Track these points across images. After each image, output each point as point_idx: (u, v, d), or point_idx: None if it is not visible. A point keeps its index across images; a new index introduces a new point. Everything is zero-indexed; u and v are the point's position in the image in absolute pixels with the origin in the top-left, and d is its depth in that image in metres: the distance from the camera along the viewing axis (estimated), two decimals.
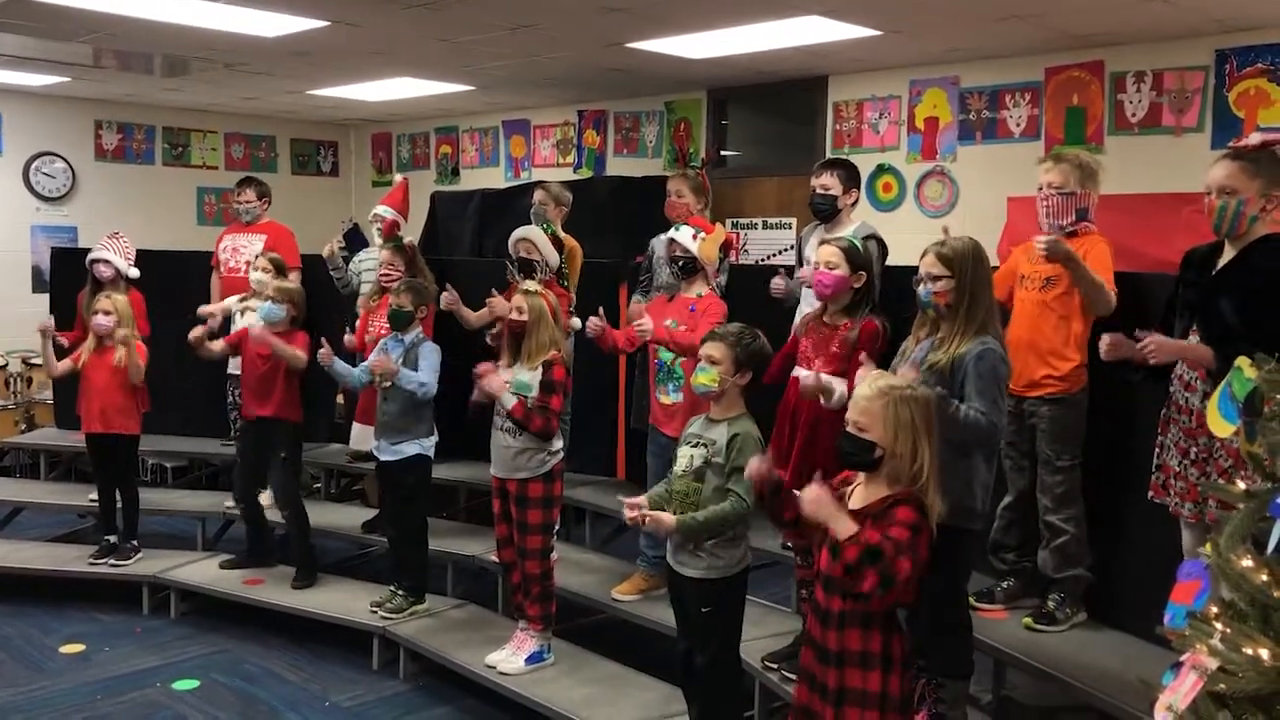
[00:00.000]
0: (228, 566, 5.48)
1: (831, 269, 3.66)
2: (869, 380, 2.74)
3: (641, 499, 3.33)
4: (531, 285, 4.28)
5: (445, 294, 5.10)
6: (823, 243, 3.87)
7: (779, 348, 3.84)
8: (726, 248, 4.54)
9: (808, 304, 4.13)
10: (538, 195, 5.38)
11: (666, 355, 4.34)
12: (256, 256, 5.84)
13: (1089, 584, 3.78)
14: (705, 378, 3.27)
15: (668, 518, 3.19)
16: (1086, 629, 3.75)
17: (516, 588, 4.32)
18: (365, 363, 4.79)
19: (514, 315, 4.16)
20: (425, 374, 4.62)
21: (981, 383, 3.07)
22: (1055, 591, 3.78)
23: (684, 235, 4.33)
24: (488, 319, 4.97)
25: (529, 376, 4.11)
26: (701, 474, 3.26)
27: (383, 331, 4.97)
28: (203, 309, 5.98)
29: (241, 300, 5.81)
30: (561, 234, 5.05)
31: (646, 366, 4.58)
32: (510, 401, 4.01)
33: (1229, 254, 3.16)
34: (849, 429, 2.68)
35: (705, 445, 3.27)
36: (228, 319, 5.84)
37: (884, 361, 3.44)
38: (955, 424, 2.98)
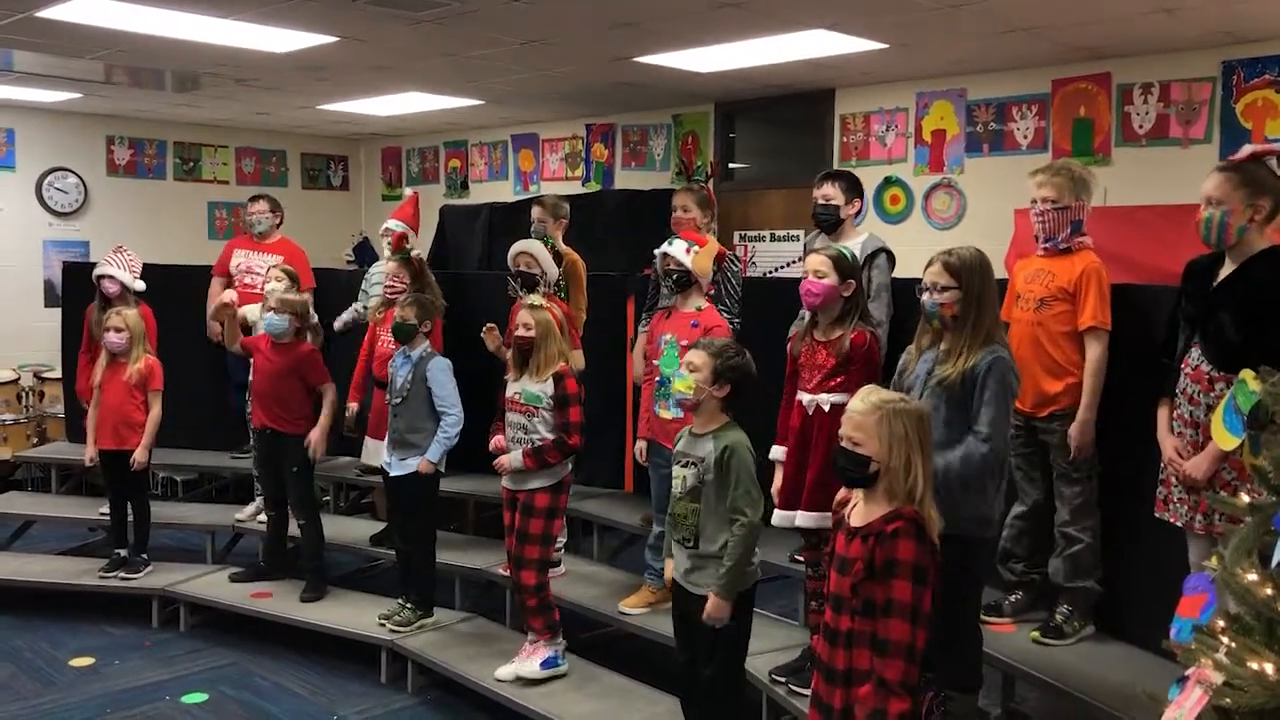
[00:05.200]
0: (238, 580, 5.50)
1: (821, 278, 3.63)
2: (861, 394, 2.72)
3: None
4: (536, 299, 4.29)
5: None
6: (811, 251, 3.86)
7: (783, 364, 3.84)
8: (720, 260, 4.53)
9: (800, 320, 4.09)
10: (535, 212, 5.36)
11: (667, 369, 4.33)
12: (270, 268, 5.85)
13: (1098, 597, 3.76)
14: (682, 384, 3.27)
15: (717, 605, 3.18)
16: (1094, 642, 3.73)
17: None
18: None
19: (521, 331, 4.17)
20: (448, 406, 4.65)
21: (990, 393, 3.07)
22: (1064, 604, 3.76)
23: (677, 249, 4.32)
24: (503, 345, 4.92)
25: (538, 389, 4.12)
26: (697, 494, 3.24)
27: (391, 346, 4.98)
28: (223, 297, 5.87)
29: (263, 309, 5.78)
30: (562, 248, 5.06)
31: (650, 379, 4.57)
32: (519, 461, 4.09)
33: (1229, 267, 3.16)
34: (844, 444, 2.67)
35: (695, 464, 3.26)
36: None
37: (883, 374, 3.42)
38: (963, 477, 3.02)
